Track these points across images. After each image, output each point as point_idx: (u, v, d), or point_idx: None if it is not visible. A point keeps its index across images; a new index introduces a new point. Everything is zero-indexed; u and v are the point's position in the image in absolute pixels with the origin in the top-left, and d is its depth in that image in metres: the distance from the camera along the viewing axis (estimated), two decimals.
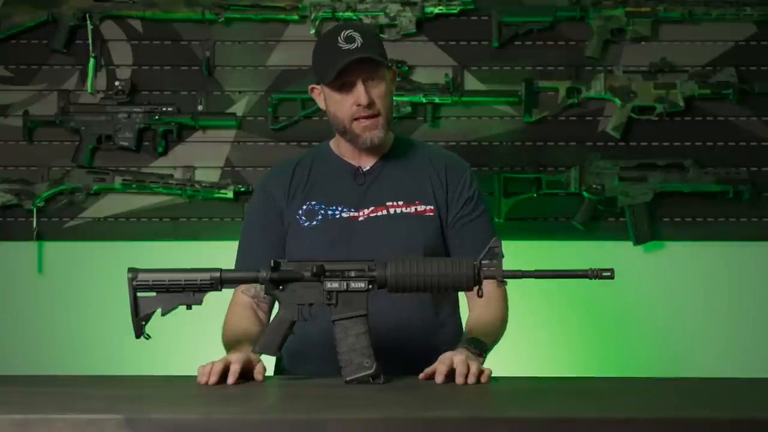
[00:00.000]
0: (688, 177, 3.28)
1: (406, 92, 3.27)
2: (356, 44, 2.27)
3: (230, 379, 2.00)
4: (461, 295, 2.41)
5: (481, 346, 2.16)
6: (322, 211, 2.36)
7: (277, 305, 2.19)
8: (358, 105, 2.29)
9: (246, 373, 2.04)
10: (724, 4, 3.29)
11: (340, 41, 2.28)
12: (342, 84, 2.30)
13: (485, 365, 2.10)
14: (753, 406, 1.81)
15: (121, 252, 3.28)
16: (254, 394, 1.93)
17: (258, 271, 2.05)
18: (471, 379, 1.99)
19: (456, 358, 2.03)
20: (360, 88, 2.29)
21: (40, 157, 3.35)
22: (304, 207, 2.37)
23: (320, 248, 2.30)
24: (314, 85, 2.40)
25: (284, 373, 2.38)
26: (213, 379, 1.99)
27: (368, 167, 2.40)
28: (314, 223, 2.35)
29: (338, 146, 2.44)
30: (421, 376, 2.05)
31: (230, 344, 2.24)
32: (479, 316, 2.29)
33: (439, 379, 2.00)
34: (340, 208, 2.36)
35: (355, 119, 2.31)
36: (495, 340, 2.29)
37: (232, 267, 2.38)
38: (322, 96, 2.38)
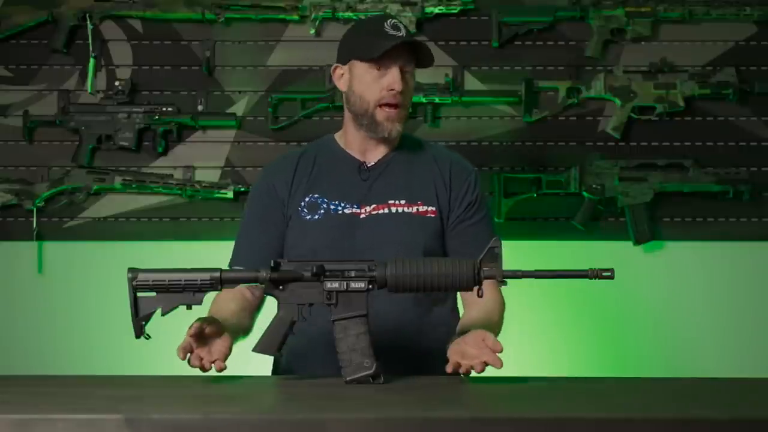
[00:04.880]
0: (688, 177, 3.28)
1: None
2: (403, 33, 2.32)
3: (191, 332, 2.03)
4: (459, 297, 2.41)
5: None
6: (325, 205, 2.36)
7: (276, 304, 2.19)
8: (390, 90, 2.30)
9: (212, 335, 2.07)
10: (724, 4, 3.30)
11: (386, 26, 2.31)
12: (380, 66, 2.31)
13: None
14: (753, 406, 1.81)
15: (121, 252, 3.28)
16: (254, 394, 1.93)
17: (258, 271, 2.05)
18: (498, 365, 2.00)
19: (473, 351, 2.03)
20: (397, 73, 2.31)
21: (40, 157, 3.35)
22: (307, 199, 2.37)
23: (321, 243, 2.30)
24: (339, 64, 2.40)
25: (283, 372, 2.38)
26: (189, 342, 2.02)
27: (373, 162, 2.40)
28: (316, 216, 2.36)
29: (345, 139, 2.43)
30: (449, 370, 2.06)
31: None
32: (478, 313, 2.28)
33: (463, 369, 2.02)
34: (342, 204, 2.36)
35: (380, 105, 2.32)
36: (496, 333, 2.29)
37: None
38: (345, 76, 2.38)
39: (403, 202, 2.37)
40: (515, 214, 3.29)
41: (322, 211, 2.36)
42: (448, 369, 2.06)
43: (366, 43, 2.33)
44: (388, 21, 2.33)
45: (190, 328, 2.05)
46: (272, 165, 2.49)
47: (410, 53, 2.34)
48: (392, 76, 2.31)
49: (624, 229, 3.30)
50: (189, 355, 2.05)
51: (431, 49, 2.41)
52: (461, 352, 2.05)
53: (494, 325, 2.28)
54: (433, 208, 2.37)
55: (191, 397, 1.90)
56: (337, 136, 2.46)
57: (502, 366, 1.99)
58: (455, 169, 2.42)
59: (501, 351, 2.01)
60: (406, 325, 2.31)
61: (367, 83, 2.33)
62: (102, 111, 3.32)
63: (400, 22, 2.35)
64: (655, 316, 3.32)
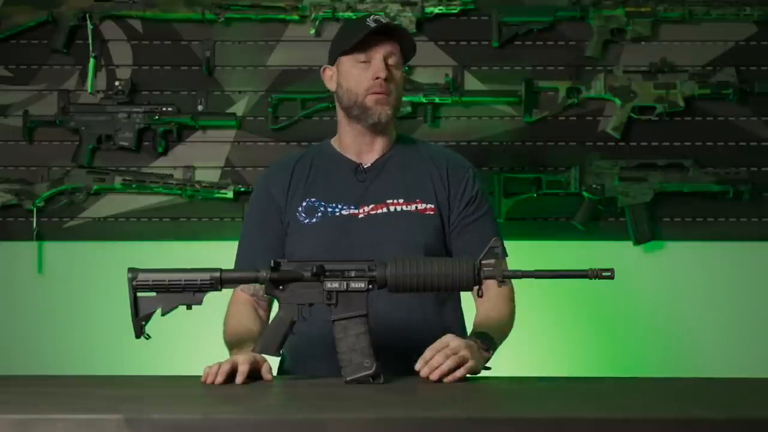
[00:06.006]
0: (688, 177, 3.28)
1: (406, 92, 3.26)
2: (384, 22, 2.37)
3: (239, 379, 2.00)
4: (465, 295, 2.41)
5: (488, 342, 2.17)
6: (322, 208, 2.37)
7: (276, 304, 2.19)
8: (376, 78, 2.33)
9: (253, 374, 2.04)
10: (724, 4, 3.29)
11: (368, 21, 2.36)
12: (364, 59, 2.35)
13: (491, 361, 2.13)
14: (753, 406, 1.81)
15: (121, 252, 3.28)
16: (254, 394, 1.93)
17: (258, 271, 2.05)
18: (434, 376, 1.99)
19: (449, 347, 2.02)
20: (380, 62, 2.35)
21: (40, 157, 3.35)
22: (304, 204, 2.38)
23: (320, 246, 2.31)
24: (327, 66, 2.45)
25: (286, 374, 2.38)
26: (219, 379, 1.98)
27: (369, 164, 2.41)
28: (314, 220, 2.36)
29: (340, 141, 2.45)
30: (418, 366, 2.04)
31: (233, 343, 2.24)
32: (487, 313, 2.29)
33: (418, 365, 2.01)
34: (340, 206, 2.37)
35: (369, 93, 2.35)
36: (503, 336, 2.30)
37: (232, 266, 2.38)
38: (334, 77, 2.42)
39: (401, 200, 2.38)
40: (515, 214, 3.29)
41: (319, 214, 2.37)
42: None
43: (347, 36, 2.39)
44: (371, 17, 2.38)
45: (233, 364, 2.02)
46: (269, 170, 2.51)
47: (394, 46, 2.38)
48: (376, 66, 2.35)
49: (624, 229, 3.30)
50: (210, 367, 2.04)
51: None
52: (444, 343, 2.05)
53: (501, 327, 2.29)
54: (432, 206, 2.38)
55: (191, 397, 1.90)
56: (333, 141, 2.49)
57: (435, 376, 2.00)
58: (452, 167, 2.44)
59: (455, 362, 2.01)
60: (408, 325, 2.31)
61: (354, 77, 2.36)
62: (102, 111, 3.32)
63: (384, 18, 2.40)
64: (655, 316, 3.32)
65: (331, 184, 2.40)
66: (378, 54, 2.35)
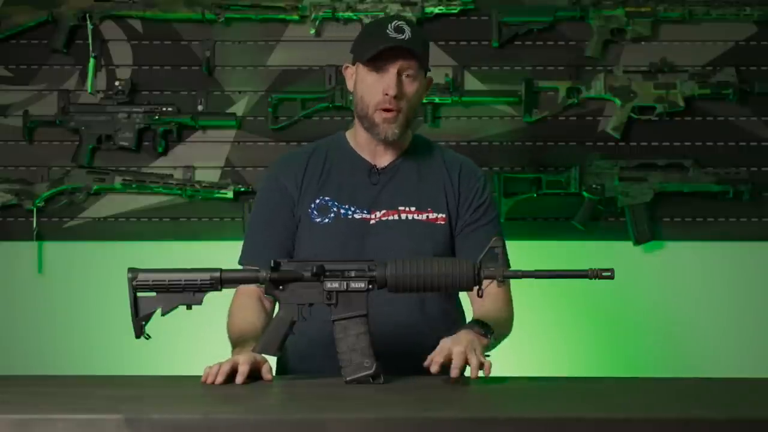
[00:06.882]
0: (688, 177, 3.28)
1: None
2: (404, 36, 2.30)
3: (239, 379, 1.99)
4: (464, 298, 2.41)
5: (485, 328, 2.16)
6: (335, 209, 2.35)
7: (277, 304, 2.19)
8: (386, 94, 2.30)
9: (253, 374, 2.04)
10: (724, 4, 3.30)
11: (389, 29, 2.30)
12: (378, 69, 2.31)
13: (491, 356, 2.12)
14: (753, 406, 1.82)
15: (121, 252, 3.28)
16: (254, 394, 1.93)
17: (258, 271, 2.05)
18: (474, 374, 1.99)
19: (455, 350, 2.01)
20: (392, 77, 2.30)
21: (40, 157, 3.35)
22: (317, 201, 2.36)
23: (332, 247, 2.30)
24: (349, 65, 2.41)
25: (286, 373, 2.37)
26: (219, 379, 1.98)
27: (384, 165, 2.40)
28: (326, 220, 2.35)
29: (355, 139, 2.43)
30: (425, 363, 2.03)
31: (236, 340, 2.23)
32: (486, 310, 2.27)
33: (434, 369, 1.99)
34: (353, 209, 2.35)
35: (378, 109, 2.32)
36: (501, 332, 2.28)
37: (233, 266, 2.37)
38: (353, 77, 2.39)
39: (413, 209, 2.36)
40: (515, 214, 3.29)
41: (332, 214, 2.35)
42: (426, 363, 2.03)
43: (365, 43, 2.35)
44: (393, 23, 2.32)
45: (234, 363, 2.02)
46: (282, 162, 2.46)
47: (412, 55, 2.32)
48: (387, 80, 2.30)
49: (624, 229, 3.30)
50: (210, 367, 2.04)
51: (431, 49, 2.42)
52: (446, 350, 2.04)
53: (500, 323, 2.27)
54: (443, 215, 2.37)
55: (191, 397, 1.90)
56: (349, 134, 2.46)
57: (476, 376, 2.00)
58: (464, 174, 2.42)
59: (484, 366, 2.01)
60: (408, 325, 2.30)
61: (368, 86, 2.33)
62: (102, 111, 3.32)
63: (408, 24, 2.33)
64: (655, 316, 3.32)
65: (345, 184, 2.38)
66: (392, 68, 2.30)
